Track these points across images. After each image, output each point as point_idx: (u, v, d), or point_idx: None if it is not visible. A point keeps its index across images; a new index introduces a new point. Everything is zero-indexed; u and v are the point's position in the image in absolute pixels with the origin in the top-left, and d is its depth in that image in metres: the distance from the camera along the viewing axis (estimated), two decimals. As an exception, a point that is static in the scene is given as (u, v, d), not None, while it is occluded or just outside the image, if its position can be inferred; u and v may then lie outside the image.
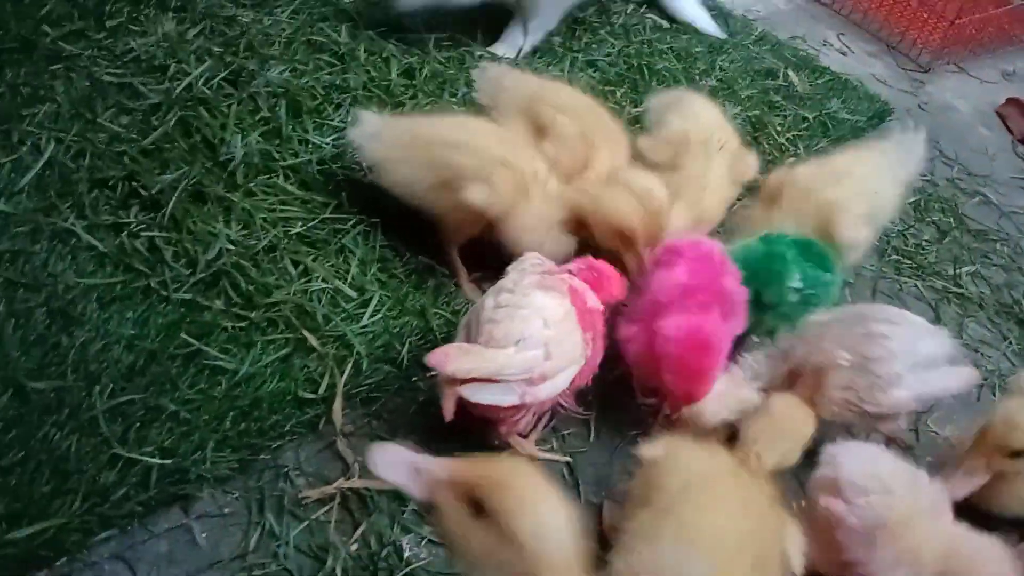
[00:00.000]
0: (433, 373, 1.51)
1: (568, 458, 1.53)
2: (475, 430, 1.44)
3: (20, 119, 1.72)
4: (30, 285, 1.46)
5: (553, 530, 0.92)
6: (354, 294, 1.60)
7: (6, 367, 1.34)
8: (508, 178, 1.57)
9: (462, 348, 1.30)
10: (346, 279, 1.61)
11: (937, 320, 2.07)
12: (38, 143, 1.69)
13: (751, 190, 2.01)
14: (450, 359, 1.26)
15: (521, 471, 0.96)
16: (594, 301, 1.43)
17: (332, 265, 1.64)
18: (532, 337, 1.31)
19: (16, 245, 1.51)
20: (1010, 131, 3.03)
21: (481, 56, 2.28)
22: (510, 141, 1.66)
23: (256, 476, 1.37)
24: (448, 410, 1.28)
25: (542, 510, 0.93)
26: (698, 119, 1.89)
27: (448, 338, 1.57)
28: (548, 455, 1.52)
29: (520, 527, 0.91)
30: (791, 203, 1.83)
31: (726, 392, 1.46)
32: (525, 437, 1.50)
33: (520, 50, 2.34)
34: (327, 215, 1.71)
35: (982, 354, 2.04)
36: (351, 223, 1.71)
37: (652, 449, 1.27)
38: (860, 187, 1.85)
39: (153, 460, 1.29)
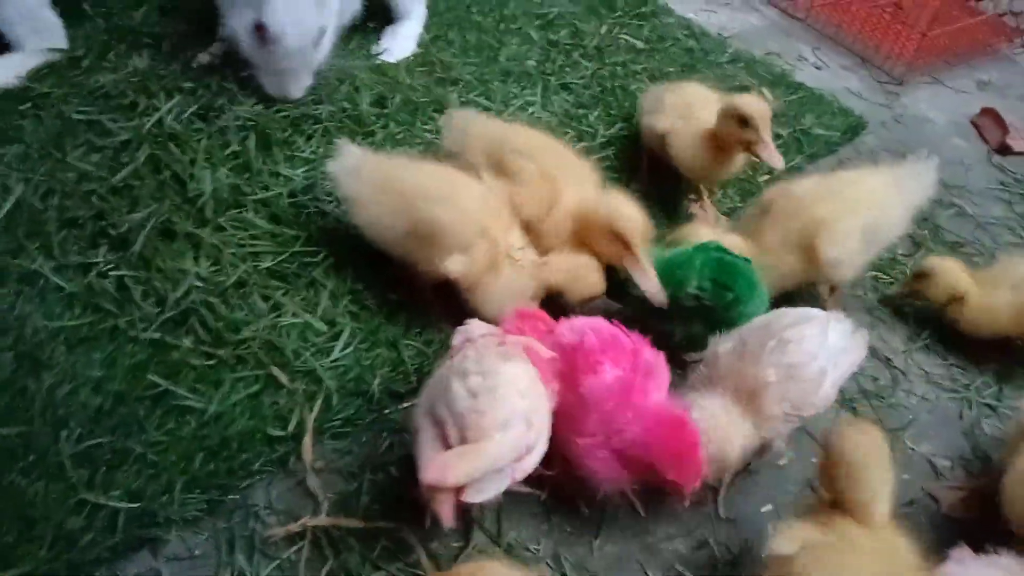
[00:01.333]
0: (406, 405, 1.53)
1: (540, 493, 1.51)
2: None
3: (-12, 160, 1.72)
4: (-3, 329, 1.46)
5: None
6: (324, 327, 1.60)
7: (-29, 413, 1.33)
8: (485, 251, 1.58)
9: (455, 454, 1.22)
10: (316, 312, 1.61)
11: (916, 335, 2.07)
12: (6, 183, 1.69)
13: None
14: (450, 470, 1.19)
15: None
16: (545, 351, 1.40)
17: (303, 299, 1.64)
18: (514, 414, 1.25)
19: (-16, 288, 1.51)
20: (985, 141, 3.04)
21: (455, 82, 2.29)
22: (491, 204, 1.66)
23: (226, 516, 1.36)
24: (448, 517, 1.22)
25: None
26: (692, 90, 2.13)
27: (420, 370, 1.57)
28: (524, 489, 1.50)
29: None
30: (780, 217, 1.86)
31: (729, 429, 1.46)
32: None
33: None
34: (297, 248, 1.72)
35: (962, 370, 2.03)
36: (321, 256, 1.72)
37: (785, 544, 1.22)
38: (853, 206, 1.86)
39: (121, 504, 1.29)
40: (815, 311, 1.59)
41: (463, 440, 1.22)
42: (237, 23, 1.95)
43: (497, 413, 1.23)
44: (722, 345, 1.53)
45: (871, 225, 1.87)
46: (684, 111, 2.06)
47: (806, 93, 2.81)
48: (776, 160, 1.94)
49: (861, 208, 1.87)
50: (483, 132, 1.85)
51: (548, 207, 1.74)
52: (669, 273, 1.69)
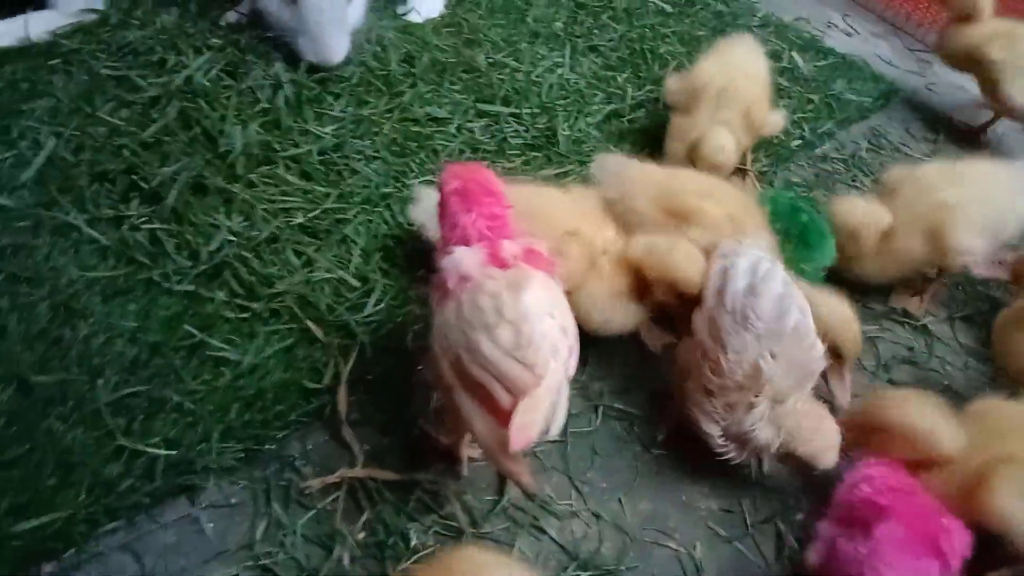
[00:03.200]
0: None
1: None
2: None
3: (19, 114, 1.72)
4: (32, 279, 1.46)
5: None
6: (357, 283, 1.59)
7: (10, 361, 1.34)
8: (578, 252, 1.50)
9: (527, 410, 1.12)
10: (348, 268, 1.61)
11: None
12: (37, 138, 1.69)
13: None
14: (532, 428, 1.13)
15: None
16: (539, 243, 1.28)
17: (335, 255, 1.63)
18: (555, 338, 1.18)
19: (18, 240, 1.51)
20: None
21: (481, 43, 2.26)
22: (579, 207, 1.60)
23: (262, 466, 1.37)
24: (530, 481, 1.20)
25: None
26: (727, 66, 2.01)
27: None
28: None
29: None
30: (907, 200, 1.83)
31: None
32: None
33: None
34: (329, 205, 1.71)
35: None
36: (352, 212, 1.71)
37: None
38: (981, 194, 1.83)
39: (158, 451, 1.30)
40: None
41: (518, 395, 1.13)
42: (267, 2, 1.95)
43: (541, 356, 1.14)
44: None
45: (996, 221, 1.84)
46: (696, 94, 2.01)
47: (837, 59, 2.77)
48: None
49: (987, 201, 1.84)
50: (647, 178, 1.72)
51: None
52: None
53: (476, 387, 1.15)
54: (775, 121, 2.08)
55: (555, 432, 1.18)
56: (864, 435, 1.40)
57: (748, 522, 1.48)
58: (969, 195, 1.81)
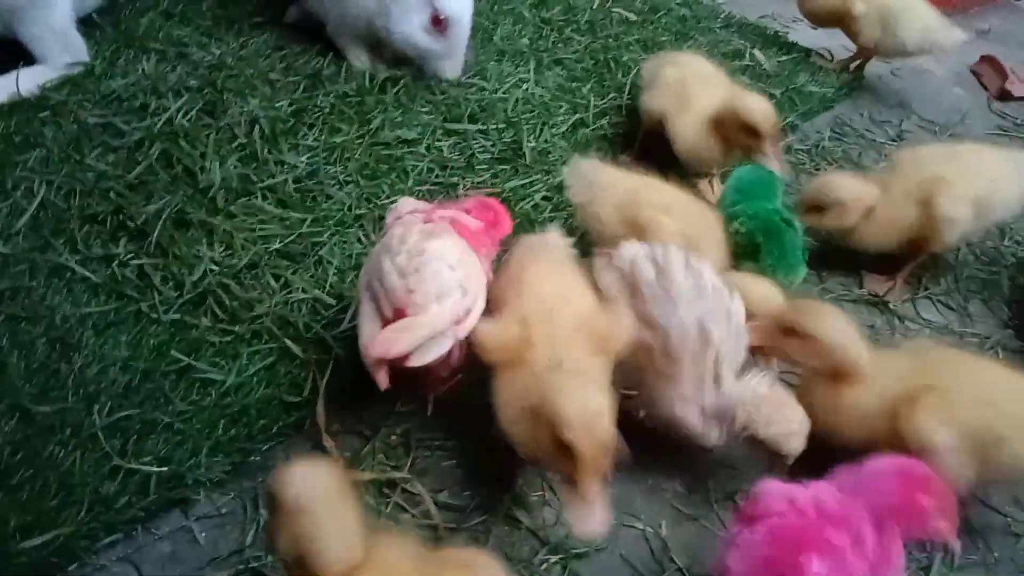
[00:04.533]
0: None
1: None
2: (459, 421, 1.57)
3: (13, 166, 1.85)
4: (30, 318, 1.58)
5: None
6: (332, 301, 1.69)
7: (12, 394, 1.45)
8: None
9: (399, 328, 1.33)
10: (324, 288, 1.71)
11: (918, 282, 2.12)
12: (31, 187, 1.81)
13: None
14: (395, 343, 1.30)
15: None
16: (473, 222, 1.51)
17: (311, 276, 1.74)
18: (447, 285, 1.37)
19: (16, 283, 1.63)
20: (985, 88, 3.06)
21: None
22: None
23: (249, 477, 1.46)
24: (384, 380, 1.34)
25: None
26: (692, 66, 2.14)
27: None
28: None
29: None
30: (905, 173, 1.96)
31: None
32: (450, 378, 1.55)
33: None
34: (304, 230, 1.81)
35: (970, 317, 2.08)
36: (327, 235, 1.82)
37: None
38: (973, 170, 1.94)
39: (151, 469, 1.40)
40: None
41: (397, 315, 1.34)
42: (405, 28, 2.19)
43: (428, 288, 1.34)
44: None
45: (985, 197, 1.94)
46: (682, 90, 2.10)
47: (800, 53, 2.85)
48: (780, 167, 1.95)
49: (980, 177, 1.94)
50: (614, 185, 1.80)
51: None
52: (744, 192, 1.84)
53: (373, 297, 1.38)
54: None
55: (417, 362, 1.32)
56: (778, 340, 1.50)
57: (712, 500, 1.56)
58: (960, 172, 1.92)
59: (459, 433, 1.57)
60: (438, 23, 2.19)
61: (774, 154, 1.94)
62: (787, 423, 1.45)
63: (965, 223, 1.93)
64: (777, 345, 1.52)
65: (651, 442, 1.59)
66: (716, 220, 1.80)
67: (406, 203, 1.54)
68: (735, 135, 1.97)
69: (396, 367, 1.35)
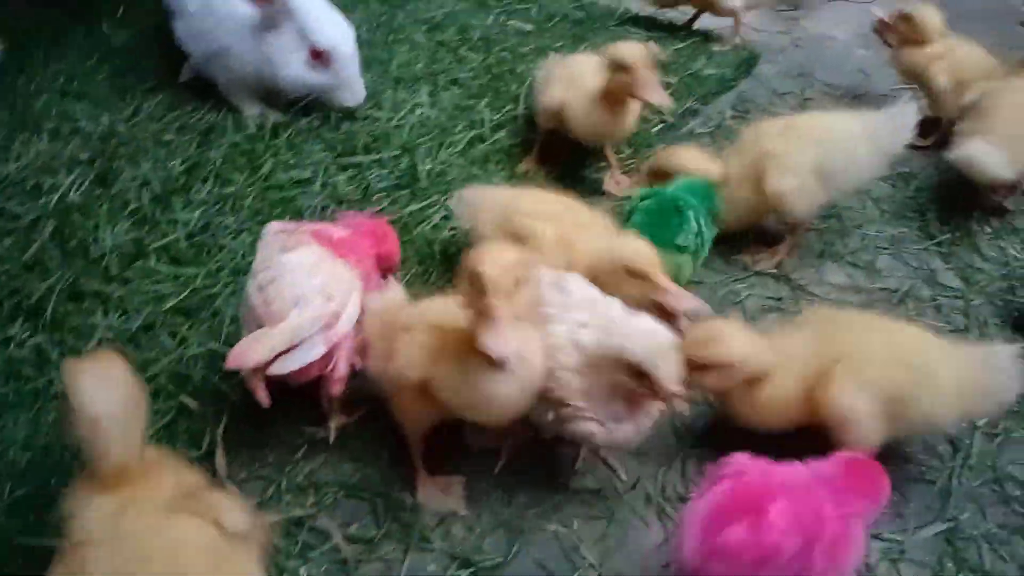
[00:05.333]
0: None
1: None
2: (363, 455, 1.59)
3: (-92, 262, 1.87)
4: (-71, 410, 1.59)
5: None
6: (227, 350, 1.70)
7: (-91, 487, 1.46)
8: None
9: (252, 338, 1.36)
10: (220, 339, 1.72)
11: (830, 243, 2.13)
12: (-73, 279, 1.83)
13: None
14: (249, 353, 1.34)
15: None
16: (338, 231, 1.58)
17: (207, 328, 1.75)
18: (305, 293, 1.40)
19: (-88, 371, 1.65)
20: (888, 45, 3.09)
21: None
22: None
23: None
24: (263, 397, 1.38)
25: None
26: (578, 63, 2.18)
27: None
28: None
29: None
30: (741, 150, 2.00)
31: None
32: (340, 399, 1.57)
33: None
34: (197, 284, 1.83)
35: (878, 272, 2.09)
36: (220, 286, 1.83)
37: None
38: (805, 142, 1.94)
39: (53, 544, 1.41)
40: None
41: (257, 324, 1.39)
42: (290, 71, 2.23)
43: (285, 296, 1.39)
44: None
45: (827, 164, 1.93)
46: (573, 81, 2.14)
47: (697, 38, 2.89)
48: (659, 98, 1.99)
49: (815, 145, 1.94)
50: (492, 203, 1.82)
51: (565, 267, 1.65)
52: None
53: (245, 322, 1.46)
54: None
55: (282, 369, 1.36)
56: (696, 373, 1.49)
57: (620, 491, 1.57)
58: (790, 145, 1.92)
59: (364, 466, 1.58)
60: (318, 56, 2.21)
61: (650, 82, 1.98)
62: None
63: (804, 193, 1.92)
64: (695, 381, 1.50)
65: (558, 442, 1.61)
66: (596, 217, 1.81)
67: (272, 226, 1.57)
68: (618, 81, 2.00)
69: (279, 381, 1.39)
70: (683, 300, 1.62)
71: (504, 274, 1.26)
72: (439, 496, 1.53)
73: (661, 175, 1.96)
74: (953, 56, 2.41)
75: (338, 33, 2.23)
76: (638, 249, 1.64)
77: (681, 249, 1.80)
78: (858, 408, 1.45)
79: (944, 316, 1.96)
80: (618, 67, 2.00)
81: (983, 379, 1.49)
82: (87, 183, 2.06)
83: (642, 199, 1.88)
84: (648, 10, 3.07)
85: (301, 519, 1.49)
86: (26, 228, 1.96)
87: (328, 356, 1.43)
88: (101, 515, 1.13)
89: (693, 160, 1.96)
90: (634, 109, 2.14)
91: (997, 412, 1.62)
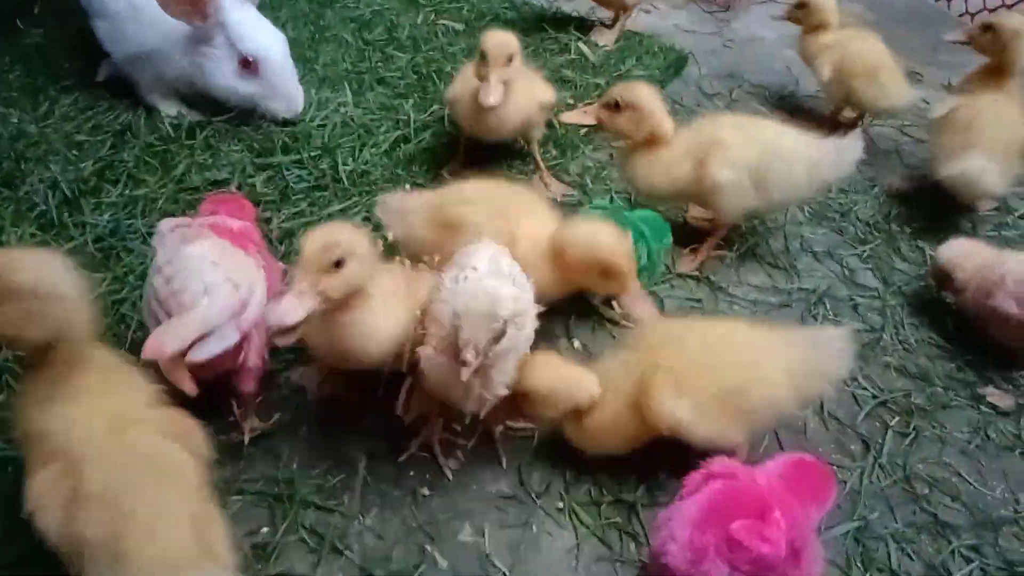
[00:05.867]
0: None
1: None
2: (268, 462, 1.55)
3: None
4: None
5: None
6: (135, 357, 1.65)
7: None
8: None
9: (165, 327, 1.36)
10: (126, 344, 1.68)
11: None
12: None
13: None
14: (164, 342, 1.33)
15: None
16: (236, 223, 1.60)
17: (114, 335, 1.70)
18: (211, 282, 1.42)
19: None
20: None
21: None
22: None
23: None
24: (190, 387, 1.36)
25: None
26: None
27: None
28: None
29: None
30: (693, 129, 1.97)
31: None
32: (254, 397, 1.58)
33: None
34: (104, 289, 1.78)
35: (798, 274, 2.10)
36: (128, 290, 1.78)
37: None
38: (756, 141, 1.93)
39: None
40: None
41: (167, 314, 1.40)
42: (220, 80, 2.19)
43: (191, 286, 1.40)
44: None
45: (761, 169, 1.92)
46: (467, 80, 2.12)
47: (627, 39, 2.89)
48: (487, 97, 1.96)
49: (760, 148, 1.93)
50: (419, 202, 1.79)
51: (509, 243, 1.64)
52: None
53: (153, 316, 1.45)
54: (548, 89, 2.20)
55: (200, 356, 1.35)
56: (519, 402, 1.49)
57: (534, 495, 1.56)
58: (738, 139, 1.92)
59: (270, 475, 1.55)
60: (247, 65, 2.18)
61: (489, 80, 1.97)
62: None
63: (737, 189, 1.92)
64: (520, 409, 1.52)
65: (473, 449, 1.60)
66: (529, 194, 1.81)
67: (166, 223, 1.57)
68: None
69: (197, 376, 1.37)
70: (640, 307, 1.68)
71: (322, 251, 1.32)
72: None
73: (615, 108, 1.92)
74: (844, 48, 2.44)
75: (268, 41, 2.19)
76: (616, 244, 1.65)
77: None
78: (680, 413, 1.45)
79: (860, 316, 1.98)
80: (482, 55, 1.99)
81: (813, 361, 1.50)
82: (-8, 186, 1.99)
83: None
84: (580, 10, 3.07)
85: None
86: (-72, 235, 1.89)
87: (238, 348, 1.43)
88: (92, 431, 1.18)
89: (649, 99, 1.92)
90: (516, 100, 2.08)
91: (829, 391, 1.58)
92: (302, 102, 2.29)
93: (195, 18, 2.10)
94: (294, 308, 1.31)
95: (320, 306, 1.34)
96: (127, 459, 1.18)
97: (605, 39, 2.81)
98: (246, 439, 1.57)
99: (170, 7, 2.07)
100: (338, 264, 1.34)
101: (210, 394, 1.48)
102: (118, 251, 1.87)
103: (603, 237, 1.65)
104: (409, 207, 1.79)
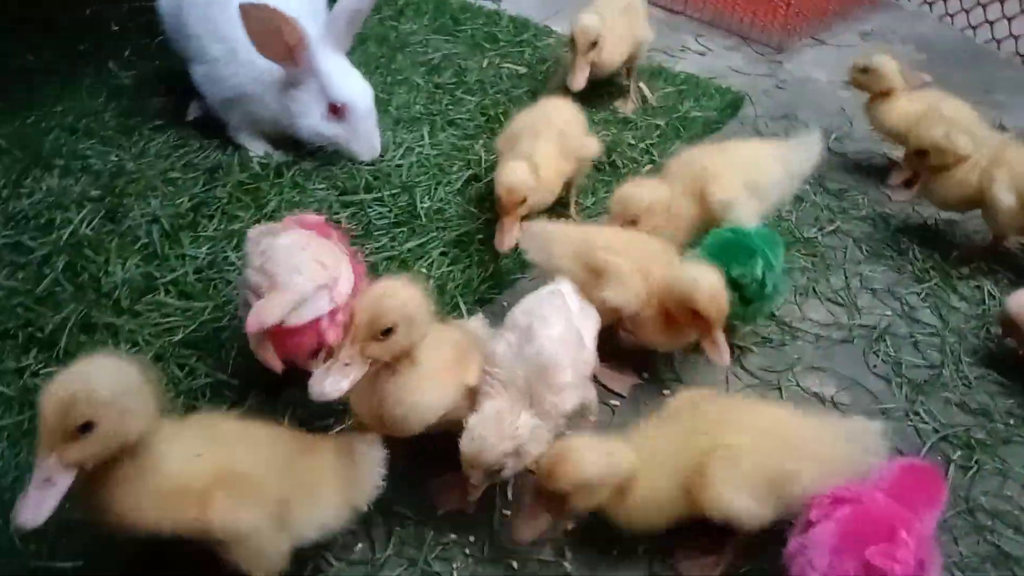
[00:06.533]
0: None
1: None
2: None
3: (-76, 293, 1.94)
4: (-56, 436, 1.65)
5: None
6: (236, 382, 1.78)
7: (-75, 510, 1.52)
8: None
9: (263, 301, 1.55)
10: (227, 370, 1.80)
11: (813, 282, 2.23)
12: (-58, 311, 1.90)
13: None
14: (263, 314, 1.53)
15: None
16: (313, 218, 1.77)
17: (214, 360, 1.82)
18: (301, 261, 1.60)
19: (-72, 403, 1.71)
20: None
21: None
22: None
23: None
24: (277, 364, 1.59)
25: None
26: (534, 110, 2.26)
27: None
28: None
29: None
30: (677, 174, 2.10)
31: None
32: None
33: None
34: (205, 317, 1.90)
35: (859, 311, 2.17)
36: (228, 319, 1.90)
37: None
38: (734, 163, 2.08)
39: (66, 565, 1.47)
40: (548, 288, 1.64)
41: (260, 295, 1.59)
42: (309, 122, 2.35)
43: (281, 268, 1.58)
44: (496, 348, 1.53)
45: (753, 182, 2.06)
46: (514, 138, 2.23)
47: (684, 81, 3.00)
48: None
49: (743, 166, 2.09)
50: (564, 238, 1.89)
51: (646, 298, 1.79)
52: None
53: (247, 304, 1.61)
54: (591, 144, 2.29)
55: (295, 320, 1.57)
56: (555, 502, 1.43)
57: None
58: (726, 162, 2.08)
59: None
60: (336, 111, 2.32)
61: (506, 225, 2.04)
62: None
63: (743, 205, 2.02)
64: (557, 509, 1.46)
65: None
66: (662, 247, 1.91)
67: (253, 230, 1.74)
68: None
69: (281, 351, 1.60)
70: (720, 355, 1.73)
71: (373, 320, 1.34)
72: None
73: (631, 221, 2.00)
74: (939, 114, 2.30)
75: (358, 90, 2.35)
76: (712, 290, 1.70)
77: (734, 286, 1.81)
78: (742, 505, 1.43)
79: (920, 352, 2.05)
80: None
81: (847, 452, 1.50)
82: (97, 219, 2.14)
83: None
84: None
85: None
86: (39, 262, 2.03)
87: (332, 315, 1.61)
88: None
89: (646, 196, 2.01)
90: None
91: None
92: (380, 147, 2.43)
93: (287, 62, 2.25)
94: (340, 380, 1.32)
95: (366, 368, 1.36)
96: None
97: (627, 108, 2.83)
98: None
99: (264, 50, 2.21)
100: (388, 332, 1.35)
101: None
102: (216, 282, 2.00)
103: (698, 278, 1.71)
104: (552, 237, 1.91)
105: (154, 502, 1.23)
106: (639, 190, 2.03)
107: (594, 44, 2.38)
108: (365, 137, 2.38)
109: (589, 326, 1.63)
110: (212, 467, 1.28)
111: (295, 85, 2.31)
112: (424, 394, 1.45)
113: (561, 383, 1.48)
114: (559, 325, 1.53)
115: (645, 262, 1.82)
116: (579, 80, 2.41)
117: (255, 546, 1.28)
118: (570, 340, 1.53)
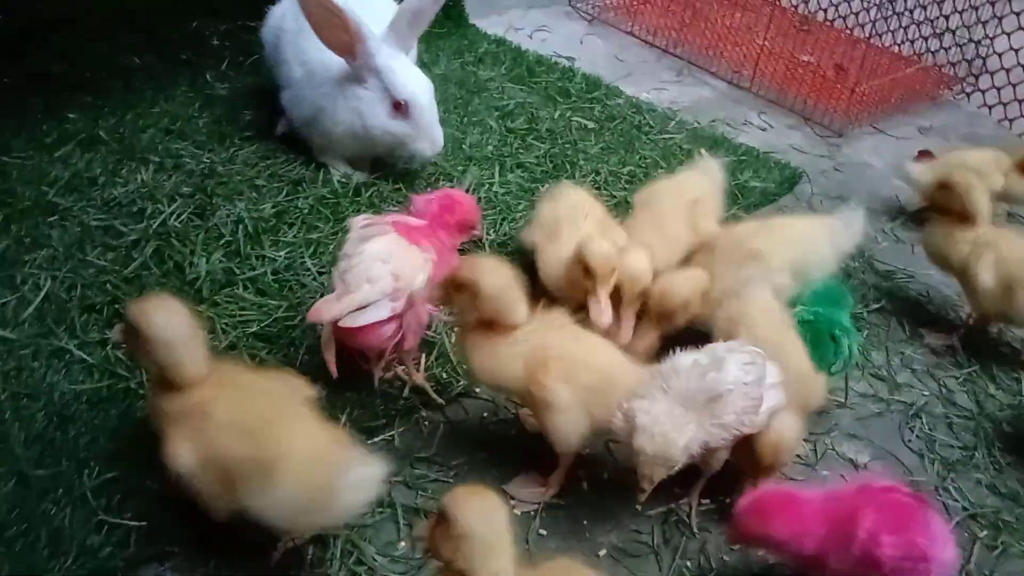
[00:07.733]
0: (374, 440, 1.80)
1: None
2: None
3: (23, 263, 2.08)
4: (32, 395, 1.77)
5: None
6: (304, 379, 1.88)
7: (11, 461, 1.63)
8: None
9: (327, 299, 1.72)
10: (296, 365, 1.90)
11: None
12: (38, 282, 2.04)
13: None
14: (324, 309, 1.69)
15: None
16: (415, 220, 1.92)
17: (284, 355, 1.93)
18: (376, 273, 1.73)
19: (20, 364, 1.84)
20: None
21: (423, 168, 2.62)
22: None
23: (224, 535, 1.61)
24: (333, 370, 1.76)
25: None
26: (564, 199, 2.25)
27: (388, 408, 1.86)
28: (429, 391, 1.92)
29: None
30: (724, 252, 2.14)
31: None
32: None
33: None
34: (279, 315, 2.02)
35: (898, 388, 2.24)
36: (298, 319, 2.02)
37: None
38: (784, 242, 2.13)
39: (133, 523, 1.57)
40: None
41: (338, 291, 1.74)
42: (377, 121, 2.46)
43: (359, 273, 1.73)
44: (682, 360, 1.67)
45: (799, 260, 2.12)
46: (553, 227, 2.18)
47: (745, 152, 3.12)
48: (600, 317, 1.91)
49: (791, 244, 2.14)
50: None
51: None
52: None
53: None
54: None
55: (351, 323, 1.70)
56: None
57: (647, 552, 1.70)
58: (775, 243, 2.12)
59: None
60: (399, 107, 2.43)
61: (602, 300, 1.93)
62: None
63: (784, 289, 2.06)
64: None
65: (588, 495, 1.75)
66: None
67: (360, 219, 1.88)
68: (578, 278, 1.96)
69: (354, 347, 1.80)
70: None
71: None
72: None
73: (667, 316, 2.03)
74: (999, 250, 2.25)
75: (418, 86, 2.45)
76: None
77: (831, 373, 1.96)
78: (561, 397, 1.63)
79: (955, 433, 2.10)
80: (584, 267, 1.94)
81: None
82: (186, 213, 2.28)
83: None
84: (700, 120, 3.32)
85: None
86: (128, 246, 2.18)
87: (393, 322, 1.75)
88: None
89: (687, 288, 2.04)
90: None
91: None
92: (442, 143, 2.51)
93: (348, 54, 2.39)
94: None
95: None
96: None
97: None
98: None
99: (323, 35, 2.35)
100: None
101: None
102: (291, 284, 2.12)
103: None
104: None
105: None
106: (676, 285, 2.02)
107: (614, 271, 1.95)
108: (427, 132, 2.46)
109: (772, 396, 1.70)
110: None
111: (359, 82, 2.43)
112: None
113: (721, 422, 1.62)
114: (751, 376, 1.65)
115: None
116: (606, 314, 1.94)
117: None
118: (749, 395, 1.64)
